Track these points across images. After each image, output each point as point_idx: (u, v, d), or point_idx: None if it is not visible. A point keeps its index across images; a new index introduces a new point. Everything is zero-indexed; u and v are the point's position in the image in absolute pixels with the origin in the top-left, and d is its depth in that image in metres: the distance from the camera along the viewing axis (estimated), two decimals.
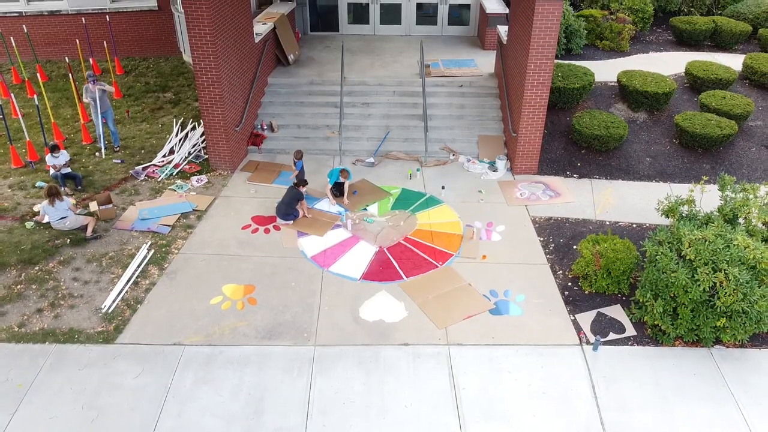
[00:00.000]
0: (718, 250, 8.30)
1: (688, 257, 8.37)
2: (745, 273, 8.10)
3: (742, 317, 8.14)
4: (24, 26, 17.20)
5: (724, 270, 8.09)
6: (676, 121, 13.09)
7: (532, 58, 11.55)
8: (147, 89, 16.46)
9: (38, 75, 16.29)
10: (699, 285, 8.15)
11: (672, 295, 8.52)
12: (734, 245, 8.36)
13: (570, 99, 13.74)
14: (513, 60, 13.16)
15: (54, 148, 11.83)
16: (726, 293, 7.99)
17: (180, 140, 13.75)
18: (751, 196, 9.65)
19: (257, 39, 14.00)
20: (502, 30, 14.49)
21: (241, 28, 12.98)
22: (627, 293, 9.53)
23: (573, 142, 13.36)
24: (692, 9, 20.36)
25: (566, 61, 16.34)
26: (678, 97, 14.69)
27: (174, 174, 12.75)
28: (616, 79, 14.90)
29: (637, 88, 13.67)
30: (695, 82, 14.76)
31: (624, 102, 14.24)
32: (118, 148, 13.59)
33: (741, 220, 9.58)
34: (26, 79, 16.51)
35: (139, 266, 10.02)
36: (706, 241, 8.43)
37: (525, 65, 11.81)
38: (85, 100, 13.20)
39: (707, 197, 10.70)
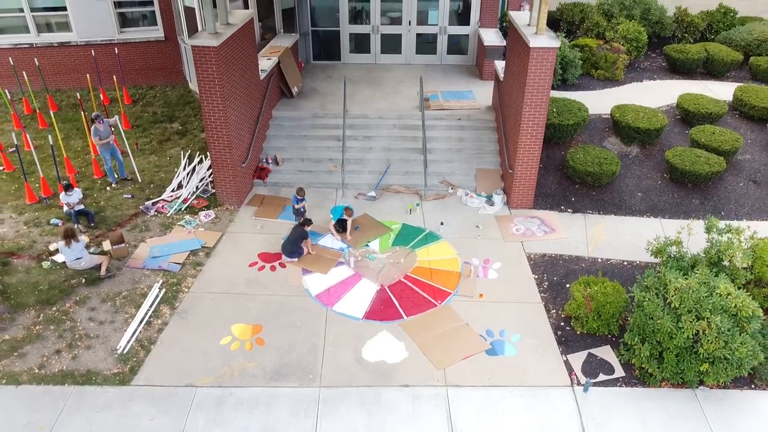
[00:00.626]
0: (702, 298, 8.78)
1: (673, 304, 8.86)
2: (727, 321, 8.58)
3: (724, 363, 8.62)
4: (35, 59, 17.67)
5: (707, 318, 8.57)
6: (666, 157, 13.57)
7: (528, 101, 12.03)
8: (154, 119, 16.95)
9: (48, 105, 16.78)
10: (683, 332, 8.62)
11: (658, 340, 9.00)
12: (717, 293, 8.84)
13: (565, 134, 14.23)
14: (509, 97, 13.63)
15: (68, 187, 12.32)
16: (708, 341, 8.47)
17: (188, 174, 14.23)
18: (735, 241, 10.14)
19: (262, 75, 14.48)
20: (499, 66, 14.97)
21: (248, 68, 13.46)
22: (617, 334, 10.00)
23: (567, 176, 13.84)
24: (686, 35, 20.84)
25: (562, 93, 16.86)
26: (670, 130, 15.17)
27: (183, 209, 13.23)
28: (609, 113, 15.37)
29: (629, 123, 14.15)
30: (687, 115, 15.25)
31: (617, 136, 14.71)
32: (127, 177, 14.12)
33: (726, 262, 10.05)
34: (37, 109, 16.99)
35: (151, 306, 10.50)
36: (690, 289, 8.90)
37: (521, 107, 12.29)
38: (96, 140, 13.59)
39: (696, 235, 11.14)
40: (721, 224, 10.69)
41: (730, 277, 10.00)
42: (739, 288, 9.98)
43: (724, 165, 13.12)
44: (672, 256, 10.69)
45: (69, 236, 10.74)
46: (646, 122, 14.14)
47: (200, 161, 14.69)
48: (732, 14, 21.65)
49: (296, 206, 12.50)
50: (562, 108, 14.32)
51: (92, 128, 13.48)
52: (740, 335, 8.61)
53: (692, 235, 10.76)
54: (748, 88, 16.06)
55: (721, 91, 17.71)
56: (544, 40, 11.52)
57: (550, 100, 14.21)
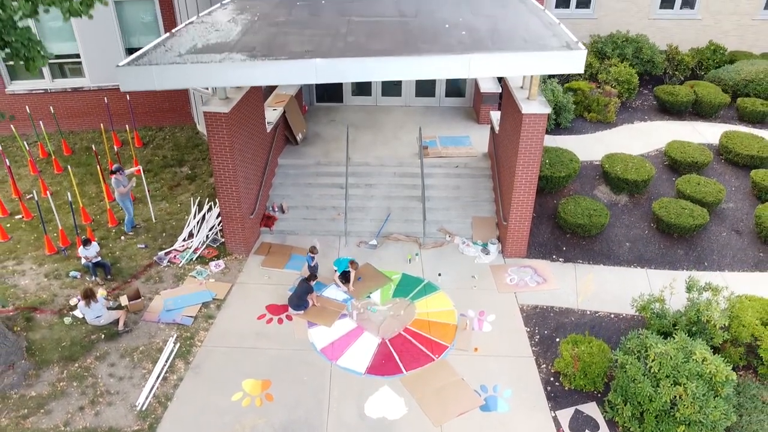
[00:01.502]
0: (679, 363, 9.50)
1: (652, 369, 9.58)
2: (702, 386, 9.30)
3: (699, 425, 9.33)
4: (51, 107, 18.42)
5: (684, 384, 9.29)
6: (653, 209, 14.28)
7: (521, 162, 12.74)
8: (165, 163, 17.68)
9: (63, 148, 17.52)
10: (661, 397, 9.34)
11: (639, 401, 9.70)
12: (693, 359, 9.56)
13: (557, 185, 14.94)
14: (503, 150, 14.34)
15: (86, 242, 13.04)
16: (684, 405, 9.19)
17: (198, 222, 14.96)
18: (713, 302, 10.87)
19: (269, 128, 15.21)
20: (495, 116, 15.67)
21: (256, 125, 14.18)
22: (602, 390, 10.71)
23: (559, 226, 14.54)
24: (676, 72, 21.55)
25: (555, 137, 17.60)
26: (658, 177, 15.88)
27: (194, 259, 13.95)
28: (600, 160, 16.08)
29: (618, 175, 14.86)
30: (674, 163, 15.95)
31: (607, 185, 15.42)
32: (138, 225, 14.89)
33: (704, 321, 10.76)
34: (52, 153, 17.72)
35: (166, 361, 11.21)
36: (668, 355, 9.62)
37: (514, 165, 12.99)
38: (116, 192, 14.36)
39: (678, 293, 11.83)
40: (702, 282, 11.46)
41: (709, 336, 10.75)
42: (717, 346, 10.76)
43: (707, 218, 13.82)
44: (655, 312, 11.45)
45: (88, 297, 11.45)
46: (634, 173, 14.86)
47: (209, 209, 15.41)
48: (721, 51, 22.37)
49: (311, 264, 13.18)
50: (554, 159, 15.03)
51: (113, 179, 14.22)
52: (714, 399, 9.33)
53: (674, 295, 11.51)
54: (734, 135, 16.76)
55: (709, 132, 18.45)
56: (535, 106, 12.22)
57: (543, 149, 14.90)
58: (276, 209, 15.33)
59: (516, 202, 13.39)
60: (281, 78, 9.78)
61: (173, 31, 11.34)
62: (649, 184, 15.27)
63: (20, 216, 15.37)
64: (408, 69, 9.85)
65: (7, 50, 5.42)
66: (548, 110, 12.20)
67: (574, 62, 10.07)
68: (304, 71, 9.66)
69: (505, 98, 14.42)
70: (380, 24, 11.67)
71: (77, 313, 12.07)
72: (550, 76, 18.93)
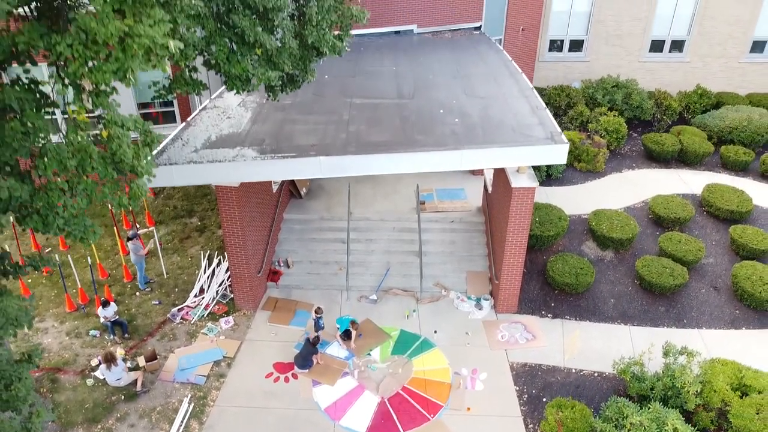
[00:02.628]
0: None
1: None
2: None
3: None
4: None
5: None
6: (636, 267, 15.19)
7: (511, 229, 13.64)
8: (175, 214, 18.61)
9: None
10: None
11: None
12: (665, 429, 10.48)
13: (546, 242, 15.86)
14: (495, 211, 15.25)
15: (105, 303, 13.97)
16: None
17: (208, 277, 15.88)
18: (687, 368, 11.79)
19: (275, 188, 16.13)
20: (488, 176, 16.58)
21: (263, 187, 15.10)
22: None
23: (548, 282, 15.45)
24: (664, 117, 22.48)
25: (546, 188, 18.51)
26: (643, 231, 16.80)
27: (205, 315, 14.88)
28: (588, 215, 17.00)
29: (604, 233, 15.79)
30: (658, 218, 16.87)
31: (594, 241, 16.34)
32: (151, 280, 15.84)
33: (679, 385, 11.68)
34: None
35: (182, 422, 12.13)
36: (642, 425, 10.54)
37: (505, 231, 13.90)
38: (132, 255, 15.33)
39: (656, 356, 12.73)
40: (679, 343, 12.41)
41: (683, 400, 11.66)
42: (691, 410, 11.66)
43: (686, 277, 14.73)
44: (635, 375, 12.37)
45: (109, 360, 12.38)
46: (619, 231, 15.78)
47: (218, 263, 16.33)
48: (708, 96, 23.31)
49: (320, 325, 14.09)
50: (544, 218, 15.94)
51: (131, 245, 15.18)
52: None
53: (651, 360, 12.44)
54: (716, 188, 17.68)
55: (694, 180, 19.40)
56: (524, 180, 13.12)
57: (534, 206, 15.80)
58: (281, 264, 16.25)
59: (507, 264, 14.30)
60: (289, 173, 10.73)
61: (188, 120, 12.26)
62: (634, 241, 16.18)
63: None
64: (406, 164, 10.78)
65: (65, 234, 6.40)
66: (536, 184, 13.10)
67: (558, 155, 11.00)
68: (310, 167, 10.61)
69: None
70: (380, 108, 12.59)
71: (98, 374, 12.99)
72: None
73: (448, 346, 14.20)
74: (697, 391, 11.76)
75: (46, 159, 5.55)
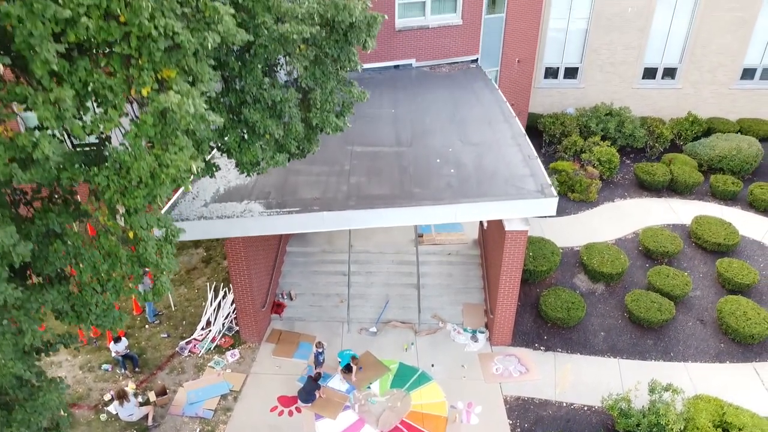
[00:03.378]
0: None
1: None
2: None
3: None
4: None
5: None
6: (626, 301, 15.83)
7: (505, 268, 14.27)
8: (181, 245, 19.23)
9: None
10: None
11: None
12: None
13: (539, 276, 16.49)
14: (490, 248, 15.88)
15: (117, 339, 14.61)
16: None
17: (214, 310, 16.51)
18: (671, 405, 12.43)
19: None
20: None
21: None
22: None
23: (541, 315, 16.09)
24: (656, 144, 23.11)
25: (540, 219, 19.12)
26: (633, 263, 17.44)
27: (212, 348, 15.51)
28: (581, 245, 17.63)
29: (595, 268, 16.43)
30: (648, 251, 17.51)
31: (585, 274, 16.98)
32: (160, 312, 16.47)
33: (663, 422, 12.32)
34: None
35: None
36: None
37: (499, 268, 14.52)
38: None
39: (646, 383, 13.37)
40: (665, 378, 13.06)
41: None
42: None
43: (673, 312, 15.37)
44: (622, 411, 13.01)
45: (122, 397, 13.03)
46: (609, 266, 16.41)
47: (224, 295, 16.97)
48: (698, 123, 23.94)
49: (321, 360, 14.69)
50: (537, 252, 16.57)
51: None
52: None
53: (638, 398, 13.08)
54: (704, 221, 18.31)
55: (683, 209, 20.04)
56: (517, 224, 13.71)
57: (528, 240, 16.42)
58: (285, 296, 16.89)
59: (501, 300, 14.93)
60: (294, 227, 11.37)
61: None
62: (624, 274, 16.82)
63: None
64: (404, 217, 11.43)
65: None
66: (528, 227, 13.70)
67: (547, 208, 11.64)
68: (314, 222, 11.25)
69: None
70: (379, 157, 13.22)
71: (111, 409, 13.63)
72: (540, 141, 20.60)
73: (445, 379, 14.83)
74: (680, 429, 12.40)
75: (81, 266, 6.19)
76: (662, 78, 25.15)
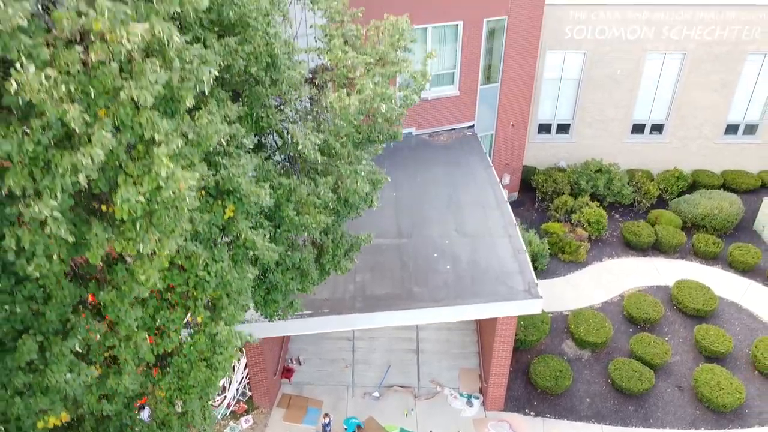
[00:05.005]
0: None
1: None
2: None
3: None
4: None
5: None
6: (609, 370, 17.14)
7: (497, 346, 15.56)
8: None
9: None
10: None
11: None
12: None
13: (530, 344, 17.81)
14: (485, 323, 17.18)
15: (141, 407, 15.91)
16: None
17: (228, 375, 17.83)
18: None
19: None
20: None
21: None
22: None
23: (531, 382, 17.40)
24: (643, 201, 24.42)
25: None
26: (617, 328, 18.75)
27: (227, 414, 16.83)
28: (570, 309, 18.94)
29: (581, 336, 17.74)
30: (631, 317, 18.83)
31: (573, 340, 18.29)
32: None
33: None
34: None
35: None
36: None
37: (492, 346, 15.82)
38: None
39: None
40: None
41: None
42: None
43: (653, 381, 16.67)
44: None
45: None
46: (594, 335, 17.72)
47: (238, 359, 18.27)
48: (684, 179, 25.26)
49: (327, 430, 15.98)
50: (528, 322, 17.87)
51: None
52: None
53: None
54: (684, 286, 19.61)
55: (667, 269, 21.35)
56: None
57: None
58: (294, 362, 18.20)
59: (494, 370, 16.22)
60: (307, 329, 12.66)
61: None
62: (609, 341, 18.13)
63: None
64: (405, 318, 12.76)
65: None
66: (518, 312, 15.03)
67: (533, 307, 12.97)
68: (324, 324, 12.57)
69: None
70: (382, 251, 14.53)
71: None
72: (533, 196, 21.98)
73: None
74: None
75: None
76: (650, 133, 26.45)
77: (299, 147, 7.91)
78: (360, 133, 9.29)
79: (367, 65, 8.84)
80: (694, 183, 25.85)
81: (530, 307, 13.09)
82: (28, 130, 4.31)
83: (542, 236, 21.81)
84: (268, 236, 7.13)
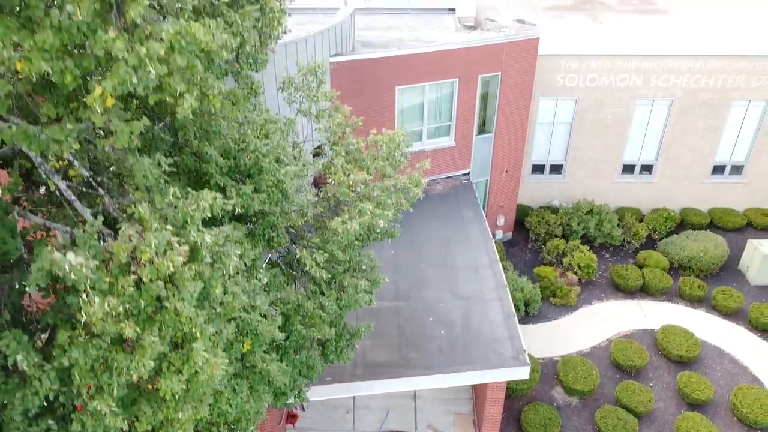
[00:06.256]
0: None
1: None
2: None
3: None
4: None
5: None
6: (595, 418, 18.15)
7: (488, 406, 16.54)
8: None
9: None
10: None
11: None
12: None
13: (521, 392, 18.82)
14: None
15: None
16: None
17: None
18: None
19: None
20: None
21: None
22: None
23: (522, 429, 18.41)
24: (632, 241, 25.43)
25: (524, 326, 21.43)
26: (604, 374, 19.76)
27: None
28: (560, 355, 19.96)
29: (570, 384, 18.75)
30: (618, 364, 19.84)
31: (562, 387, 19.31)
32: None
33: None
34: None
35: None
36: None
37: (485, 391, 16.80)
38: None
39: None
40: None
41: None
42: None
43: (636, 430, 17.68)
44: None
45: None
46: (582, 383, 18.74)
47: None
48: (672, 219, 26.28)
49: None
50: None
51: None
52: None
53: None
54: (669, 331, 20.62)
55: (654, 312, 22.36)
56: None
57: None
58: (298, 407, 19.21)
59: (486, 422, 17.24)
60: (311, 397, 13.64)
61: None
62: (596, 388, 19.15)
63: None
64: (402, 385, 13.78)
65: None
66: (507, 378, 16.01)
67: (521, 374, 13.99)
68: (327, 392, 13.59)
69: None
70: (381, 314, 15.54)
71: None
72: (522, 268, 22.95)
73: None
74: None
75: None
76: (640, 173, 27.47)
77: (306, 267, 8.93)
78: (361, 242, 10.31)
79: (365, 184, 9.86)
80: (683, 221, 26.86)
81: (518, 374, 14.10)
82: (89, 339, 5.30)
83: (534, 280, 22.82)
84: (278, 357, 8.14)
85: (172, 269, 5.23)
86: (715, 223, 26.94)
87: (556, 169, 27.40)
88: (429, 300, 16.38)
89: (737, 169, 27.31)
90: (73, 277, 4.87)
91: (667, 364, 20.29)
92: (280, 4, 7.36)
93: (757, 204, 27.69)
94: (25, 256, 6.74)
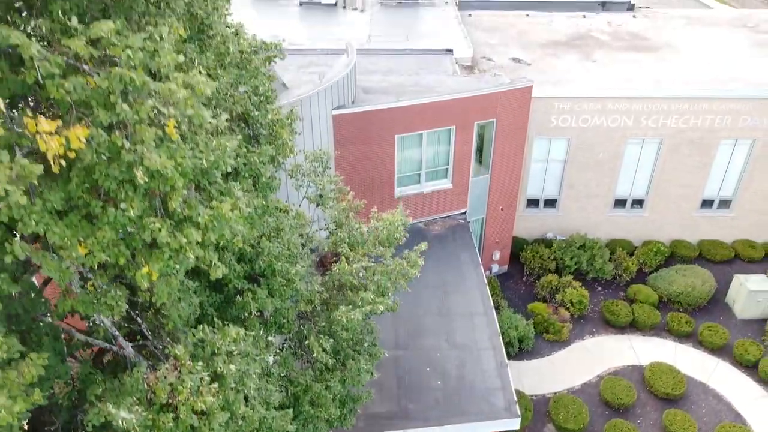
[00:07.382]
0: None
1: None
2: None
3: None
4: None
5: None
6: None
7: None
8: None
9: None
10: None
11: None
12: None
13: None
14: None
15: None
16: None
17: None
18: None
19: None
20: None
21: None
22: None
23: None
24: (622, 274, 26.40)
25: (518, 362, 22.41)
26: (594, 411, 20.73)
27: None
28: (552, 392, 20.93)
29: (561, 423, 19.72)
30: (607, 402, 20.81)
31: (553, 425, 20.28)
32: None
33: None
34: None
35: None
36: None
37: None
38: None
39: None
40: None
41: None
42: None
43: None
44: None
45: None
46: (573, 422, 19.72)
47: None
48: (661, 253, 27.25)
49: None
50: None
51: None
52: None
53: None
54: (656, 369, 21.59)
55: (643, 348, 23.34)
56: None
57: None
58: None
59: None
60: None
61: None
62: (586, 427, 20.12)
63: None
64: None
65: None
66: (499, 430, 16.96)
67: (512, 425, 14.97)
68: None
69: None
70: (382, 365, 16.45)
71: None
72: (517, 303, 23.96)
73: None
74: None
75: None
76: (631, 207, 28.43)
77: (314, 354, 9.90)
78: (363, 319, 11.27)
79: (367, 269, 10.83)
80: (672, 253, 27.81)
81: (509, 425, 15.07)
82: None
83: (528, 316, 23.77)
84: None
85: (204, 408, 6.17)
86: (704, 255, 27.90)
87: (551, 203, 28.35)
88: (426, 348, 17.34)
89: (725, 204, 28.27)
90: (123, 426, 5.80)
91: (654, 401, 21.25)
92: (290, 141, 8.33)
93: (744, 236, 28.66)
94: None
